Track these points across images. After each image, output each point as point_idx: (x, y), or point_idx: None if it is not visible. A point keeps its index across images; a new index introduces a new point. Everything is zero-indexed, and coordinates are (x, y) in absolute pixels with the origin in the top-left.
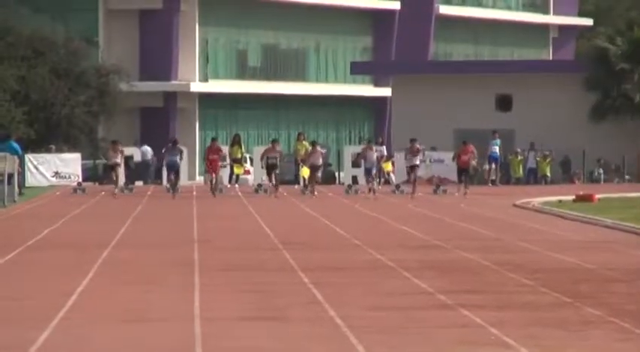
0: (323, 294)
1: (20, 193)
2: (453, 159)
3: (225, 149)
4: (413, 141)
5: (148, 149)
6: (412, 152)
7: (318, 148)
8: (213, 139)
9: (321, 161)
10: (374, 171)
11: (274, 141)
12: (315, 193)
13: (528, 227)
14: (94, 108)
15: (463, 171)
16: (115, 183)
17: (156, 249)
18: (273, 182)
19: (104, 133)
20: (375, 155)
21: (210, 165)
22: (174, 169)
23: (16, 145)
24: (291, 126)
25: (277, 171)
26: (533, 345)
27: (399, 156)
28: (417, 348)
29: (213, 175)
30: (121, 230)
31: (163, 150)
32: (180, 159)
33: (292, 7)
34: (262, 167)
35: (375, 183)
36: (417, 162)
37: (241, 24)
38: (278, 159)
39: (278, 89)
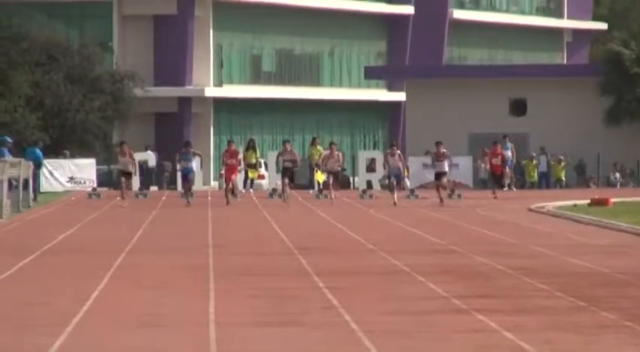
0: (338, 299)
1: (35, 199)
2: (483, 164)
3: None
4: (439, 144)
5: (151, 154)
6: (439, 156)
7: (336, 152)
8: (230, 142)
9: (338, 166)
10: (399, 179)
11: (286, 142)
12: (334, 199)
13: (543, 231)
14: (109, 114)
15: (495, 177)
16: (123, 192)
17: (170, 254)
18: (286, 190)
19: (119, 139)
20: (399, 161)
21: (228, 171)
22: (188, 177)
23: (39, 153)
24: (305, 131)
25: (290, 179)
26: (548, 350)
27: (413, 161)
28: None
29: (230, 183)
30: (135, 235)
31: (177, 156)
32: (196, 163)
33: (306, 12)
34: (277, 171)
35: (396, 193)
36: (445, 169)
37: (256, 29)
38: (292, 164)
39: (292, 94)
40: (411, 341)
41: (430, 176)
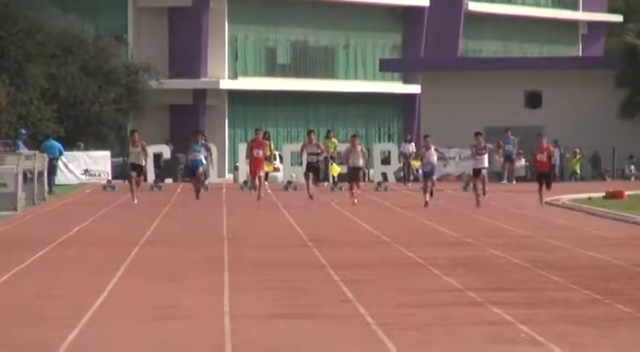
0: (353, 291)
1: (50, 191)
2: (529, 161)
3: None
4: (478, 134)
5: (165, 147)
6: (478, 149)
7: (359, 146)
8: (258, 130)
9: (362, 161)
10: (435, 176)
11: (310, 132)
12: (356, 201)
13: (558, 224)
14: (124, 106)
15: (543, 175)
16: (132, 190)
17: (185, 247)
18: (311, 184)
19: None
20: (434, 154)
21: (254, 165)
22: (196, 170)
23: (60, 145)
24: (320, 124)
25: (315, 174)
26: (563, 342)
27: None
28: (446, 345)
29: (257, 179)
30: (150, 227)
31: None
32: (206, 155)
33: (321, 4)
34: (301, 164)
35: (430, 190)
36: (486, 164)
37: (270, 21)
38: (317, 158)
39: (307, 86)
40: (425, 334)
41: (446, 168)
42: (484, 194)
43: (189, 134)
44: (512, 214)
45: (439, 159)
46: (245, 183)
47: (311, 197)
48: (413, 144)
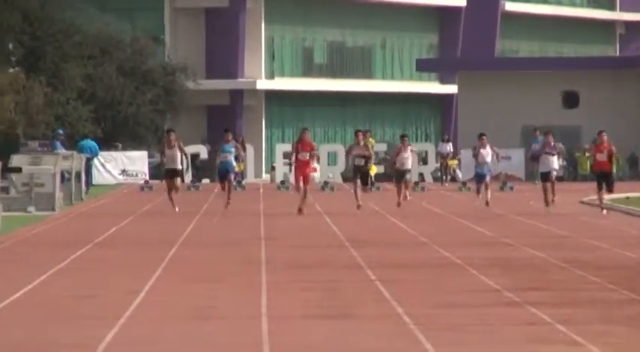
0: (390, 292)
1: (87, 191)
2: (590, 161)
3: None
4: (548, 133)
5: (202, 147)
6: (549, 147)
7: (410, 147)
8: (305, 129)
9: (410, 164)
10: (488, 178)
11: (358, 132)
12: (402, 201)
13: (595, 224)
14: (161, 107)
15: (603, 176)
16: (171, 198)
17: (223, 247)
18: (358, 191)
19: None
20: (490, 153)
21: (298, 168)
22: (227, 174)
23: (95, 145)
24: (357, 124)
25: (362, 179)
26: (602, 343)
27: (465, 153)
28: (484, 346)
29: (301, 185)
30: (188, 228)
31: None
32: (237, 155)
33: (358, 4)
34: (348, 165)
35: (488, 192)
36: (556, 166)
37: (307, 21)
38: (365, 161)
39: (344, 86)
40: (463, 334)
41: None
42: (553, 197)
43: None
44: (549, 214)
45: (495, 159)
46: (282, 183)
47: (359, 207)
48: (450, 144)
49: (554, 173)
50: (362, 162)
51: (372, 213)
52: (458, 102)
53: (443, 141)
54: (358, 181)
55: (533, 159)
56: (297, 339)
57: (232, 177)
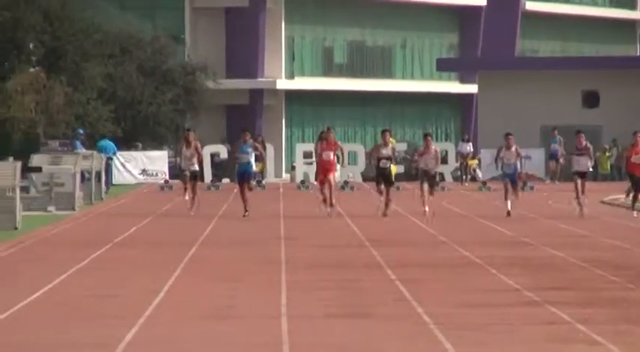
0: (410, 291)
1: (107, 191)
2: (623, 160)
3: (311, 146)
4: (579, 133)
5: (222, 147)
6: (580, 149)
7: (433, 146)
8: (329, 128)
9: (435, 164)
10: (515, 180)
11: (385, 132)
12: (427, 208)
13: (616, 223)
14: (181, 106)
15: (635, 179)
16: (187, 194)
17: (242, 247)
18: (382, 195)
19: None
20: (515, 153)
21: (322, 170)
22: (246, 176)
23: (113, 144)
24: (377, 123)
25: (386, 182)
26: (621, 342)
27: (485, 153)
28: (504, 345)
29: (326, 187)
30: (207, 228)
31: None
32: (257, 157)
33: (378, 4)
34: (371, 165)
35: (517, 194)
36: (589, 167)
37: (327, 21)
38: (390, 163)
39: (364, 86)
40: (483, 334)
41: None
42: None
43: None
44: (569, 213)
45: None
46: (302, 182)
47: (385, 214)
48: (470, 143)
49: (585, 176)
50: (387, 164)
51: (392, 213)
52: (478, 101)
53: (463, 140)
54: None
55: (552, 158)
56: (317, 339)
57: (251, 183)
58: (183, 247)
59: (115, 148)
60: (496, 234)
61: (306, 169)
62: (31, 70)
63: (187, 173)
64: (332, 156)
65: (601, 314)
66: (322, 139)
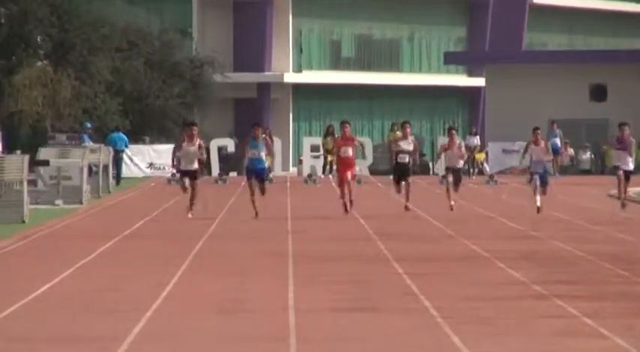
0: (417, 285)
1: (118, 183)
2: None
3: (319, 140)
4: (622, 126)
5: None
6: (621, 143)
7: (458, 140)
8: (345, 123)
9: (461, 162)
10: (545, 177)
11: (405, 124)
12: (453, 203)
13: (623, 217)
14: (188, 100)
15: None
16: (187, 194)
17: (250, 240)
18: (402, 191)
19: (198, 125)
20: (541, 150)
21: (342, 168)
22: (259, 173)
23: (125, 137)
24: (384, 117)
25: (406, 177)
26: (629, 336)
27: (492, 146)
28: (512, 339)
29: (346, 187)
30: (214, 221)
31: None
32: (267, 153)
33: None
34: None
35: (543, 191)
36: (627, 167)
37: (335, 14)
38: (409, 158)
39: (372, 79)
40: (490, 327)
41: (510, 161)
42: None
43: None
44: (577, 207)
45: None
46: (309, 176)
47: (407, 208)
48: (477, 137)
49: (629, 175)
50: (406, 158)
51: (399, 207)
52: (485, 95)
53: (470, 134)
54: (403, 183)
55: (553, 152)
56: (325, 332)
57: (264, 184)
58: (190, 240)
59: (127, 141)
60: (504, 228)
61: (314, 163)
62: (39, 63)
63: (186, 180)
64: (350, 152)
65: (608, 307)
66: (330, 134)
